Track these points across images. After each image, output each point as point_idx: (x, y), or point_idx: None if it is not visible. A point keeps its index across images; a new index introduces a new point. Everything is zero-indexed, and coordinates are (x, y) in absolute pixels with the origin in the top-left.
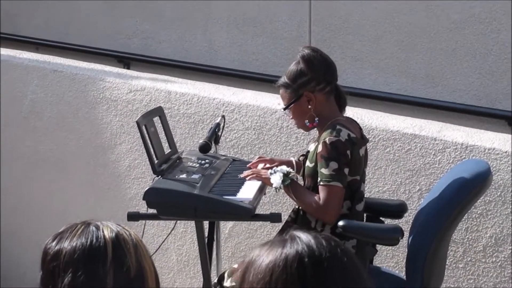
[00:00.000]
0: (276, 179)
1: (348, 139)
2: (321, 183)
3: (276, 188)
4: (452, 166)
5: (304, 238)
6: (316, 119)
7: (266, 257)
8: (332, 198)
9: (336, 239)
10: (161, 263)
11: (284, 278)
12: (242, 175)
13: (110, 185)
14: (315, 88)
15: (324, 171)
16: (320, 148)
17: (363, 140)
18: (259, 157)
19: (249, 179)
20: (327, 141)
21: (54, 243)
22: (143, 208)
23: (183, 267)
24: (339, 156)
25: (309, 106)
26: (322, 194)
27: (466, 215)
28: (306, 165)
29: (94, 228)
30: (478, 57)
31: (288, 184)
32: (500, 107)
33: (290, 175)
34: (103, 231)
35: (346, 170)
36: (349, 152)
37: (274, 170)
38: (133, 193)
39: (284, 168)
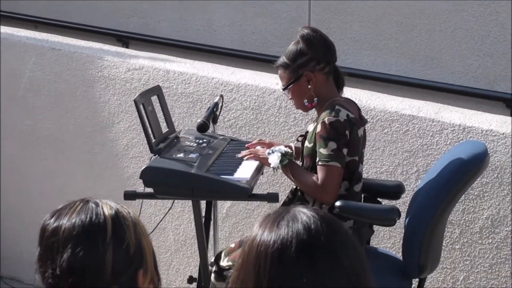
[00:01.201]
0: (274, 159)
1: (347, 120)
2: (320, 163)
3: (274, 168)
4: (449, 147)
5: (303, 218)
6: (315, 99)
7: (264, 234)
8: (331, 178)
9: (335, 219)
10: (158, 242)
11: (281, 258)
12: (240, 155)
13: (107, 164)
14: (315, 68)
15: (322, 151)
16: (319, 128)
17: (362, 120)
18: (259, 140)
19: (247, 159)
20: (326, 121)
21: (52, 219)
22: (141, 187)
23: (180, 246)
24: (338, 136)
25: (309, 86)
26: (320, 174)
27: (463, 196)
28: (305, 145)
29: (93, 205)
30: (477, 38)
31: (286, 164)
32: (499, 89)
33: (288, 155)
34: (102, 208)
35: (345, 151)
36: (348, 132)
37: (272, 150)
38: (130, 172)
39: (282, 148)
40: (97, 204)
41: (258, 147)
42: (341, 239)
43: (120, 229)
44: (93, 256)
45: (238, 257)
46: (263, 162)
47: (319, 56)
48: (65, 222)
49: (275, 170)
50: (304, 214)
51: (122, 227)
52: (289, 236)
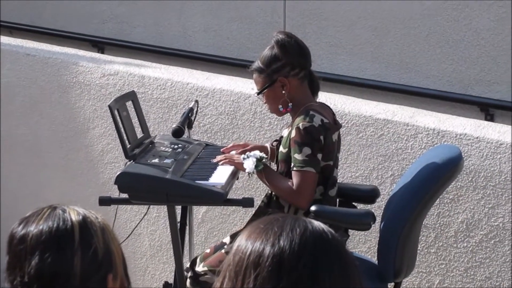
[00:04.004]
0: (249, 164)
1: (321, 125)
2: (294, 168)
3: (249, 173)
4: (424, 151)
5: (291, 234)
6: (289, 104)
7: (248, 243)
8: (305, 183)
9: (329, 230)
10: (134, 248)
11: (255, 269)
12: (215, 160)
13: (83, 169)
14: (289, 74)
15: (297, 156)
16: (293, 134)
17: (336, 125)
18: (233, 143)
19: (222, 164)
20: (301, 127)
21: (20, 227)
22: (116, 192)
23: (155, 252)
24: (312, 141)
25: (283, 92)
26: (295, 179)
27: (437, 200)
28: (280, 150)
29: (60, 211)
30: (451, 43)
31: (261, 169)
32: (473, 93)
33: (263, 160)
34: (69, 214)
35: (319, 156)
36: (322, 137)
37: (247, 155)
38: (106, 178)
39: (257, 153)
40: (64, 210)
41: (233, 152)
42: (326, 262)
43: (87, 235)
44: (61, 262)
45: (223, 263)
46: (238, 167)
47: (293, 62)
48: (32, 229)
49: (250, 175)
50: (297, 228)
51: (89, 232)
52: (267, 250)
